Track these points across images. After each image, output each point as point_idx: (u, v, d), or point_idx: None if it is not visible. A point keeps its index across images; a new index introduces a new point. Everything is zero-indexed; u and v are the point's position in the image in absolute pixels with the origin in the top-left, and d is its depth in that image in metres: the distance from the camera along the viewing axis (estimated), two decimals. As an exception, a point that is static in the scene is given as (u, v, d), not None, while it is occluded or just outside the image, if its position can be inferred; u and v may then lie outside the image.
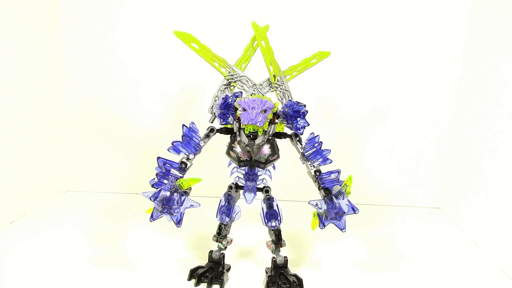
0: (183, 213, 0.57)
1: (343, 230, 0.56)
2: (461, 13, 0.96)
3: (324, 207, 0.56)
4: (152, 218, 0.56)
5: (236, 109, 0.57)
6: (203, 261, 0.67)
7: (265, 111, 0.54)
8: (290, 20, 0.98)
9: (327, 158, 0.60)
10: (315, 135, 0.60)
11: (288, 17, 0.98)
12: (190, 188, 0.58)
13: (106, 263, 0.69)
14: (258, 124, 0.53)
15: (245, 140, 0.57)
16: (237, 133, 0.58)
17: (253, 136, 0.55)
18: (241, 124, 0.55)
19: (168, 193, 0.55)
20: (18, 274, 0.65)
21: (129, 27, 1.02)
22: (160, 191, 0.55)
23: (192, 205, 0.56)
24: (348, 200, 0.57)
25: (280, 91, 0.61)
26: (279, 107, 0.60)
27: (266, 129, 0.56)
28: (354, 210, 0.56)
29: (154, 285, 0.63)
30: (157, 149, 1.07)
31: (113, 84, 1.04)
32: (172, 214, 0.55)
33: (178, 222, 0.56)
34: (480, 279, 0.69)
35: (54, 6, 0.99)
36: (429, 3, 0.96)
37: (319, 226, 0.57)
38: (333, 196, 0.56)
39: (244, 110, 0.54)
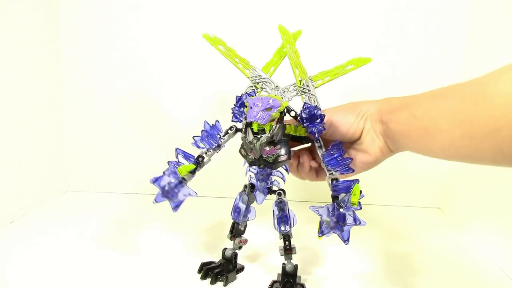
0: (182, 201, 0.59)
1: (346, 242, 0.53)
2: (462, 15, 0.96)
3: (325, 214, 0.54)
4: (156, 200, 0.59)
5: (246, 106, 0.57)
6: (218, 258, 0.68)
7: (270, 108, 0.53)
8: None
9: (349, 168, 0.56)
10: (340, 141, 0.57)
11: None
12: (189, 175, 0.60)
13: (106, 263, 0.69)
14: (259, 121, 0.53)
15: (249, 137, 0.56)
16: (244, 129, 0.58)
17: (260, 133, 0.55)
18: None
19: (169, 179, 0.58)
20: (18, 273, 0.65)
21: (129, 26, 1.02)
22: (162, 176, 0.59)
23: (189, 193, 0.59)
24: (353, 211, 0.52)
25: (306, 96, 0.59)
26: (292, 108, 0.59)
27: (271, 128, 0.55)
28: (355, 221, 0.52)
29: (158, 280, 0.64)
30: (157, 149, 1.08)
31: (114, 85, 1.04)
32: (171, 199, 0.59)
33: (175, 207, 0.59)
34: (480, 279, 0.69)
35: (54, 6, 0.99)
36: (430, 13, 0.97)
37: (318, 234, 0.54)
38: (335, 204, 0.53)
39: (251, 107, 0.54)
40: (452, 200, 1.00)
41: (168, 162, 0.61)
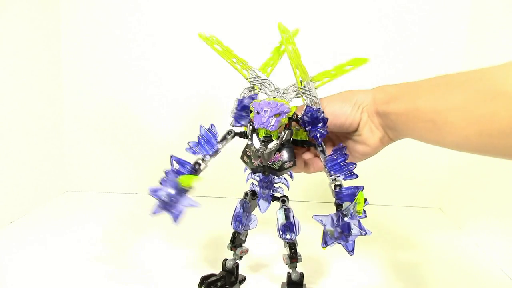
0: (183, 211, 0.54)
1: (351, 253, 0.50)
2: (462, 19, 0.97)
3: (329, 224, 0.50)
4: (154, 212, 0.54)
5: (251, 111, 0.54)
6: (217, 269, 0.65)
7: (279, 114, 0.51)
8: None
9: (352, 173, 0.54)
10: (343, 145, 0.54)
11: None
12: (190, 186, 0.55)
13: (106, 263, 0.69)
14: (269, 128, 0.50)
15: (256, 144, 0.53)
16: (249, 136, 0.55)
17: (266, 140, 0.53)
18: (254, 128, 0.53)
19: (168, 190, 0.53)
20: (18, 273, 0.65)
21: (128, 26, 1.02)
22: (161, 187, 0.54)
23: (191, 204, 0.54)
24: (358, 220, 0.50)
25: (307, 97, 0.56)
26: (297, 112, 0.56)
27: (280, 134, 0.53)
28: (361, 232, 0.49)
29: (157, 281, 0.64)
30: (157, 149, 1.08)
31: (113, 85, 1.04)
32: (170, 211, 0.54)
33: (175, 219, 0.54)
34: (480, 279, 0.69)
35: (54, 6, 0.99)
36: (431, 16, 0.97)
37: (322, 245, 0.51)
38: (339, 213, 0.51)
39: (258, 113, 0.52)
40: (452, 200, 1.00)
41: (166, 171, 0.56)
